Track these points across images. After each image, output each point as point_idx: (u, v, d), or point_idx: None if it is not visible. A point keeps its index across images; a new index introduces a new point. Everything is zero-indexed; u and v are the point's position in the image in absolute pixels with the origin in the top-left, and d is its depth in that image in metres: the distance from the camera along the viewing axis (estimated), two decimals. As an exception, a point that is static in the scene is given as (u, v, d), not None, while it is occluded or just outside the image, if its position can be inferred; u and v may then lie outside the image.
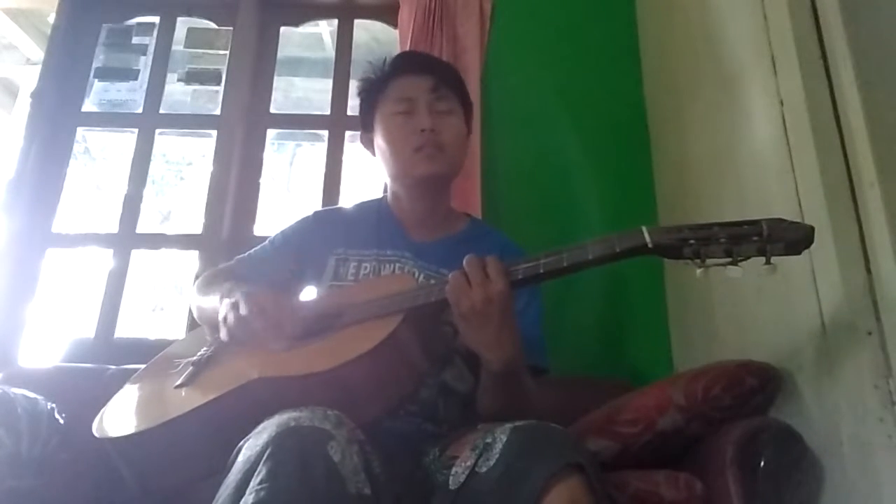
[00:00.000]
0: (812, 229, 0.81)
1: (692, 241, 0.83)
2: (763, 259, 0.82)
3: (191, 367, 1.10)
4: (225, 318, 1.07)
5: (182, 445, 0.98)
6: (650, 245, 0.85)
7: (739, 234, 0.82)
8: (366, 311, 1.02)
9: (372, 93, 1.31)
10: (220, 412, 0.96)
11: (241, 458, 0.81)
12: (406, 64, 1.31)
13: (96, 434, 1.03)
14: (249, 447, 0.81)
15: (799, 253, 0.82)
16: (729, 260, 0.82)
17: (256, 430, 0.84)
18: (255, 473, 0.76)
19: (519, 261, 0.95)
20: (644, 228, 0.87)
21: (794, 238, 0.80)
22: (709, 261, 0.83)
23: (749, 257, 0.82)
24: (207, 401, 0.98)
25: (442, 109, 1.25)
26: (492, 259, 0.95)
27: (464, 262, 0.95)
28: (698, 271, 0.83)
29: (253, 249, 1.35)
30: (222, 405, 0.97)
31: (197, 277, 1.37)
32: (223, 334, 1.08)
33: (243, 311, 1.04)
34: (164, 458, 1.00)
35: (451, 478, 0.87)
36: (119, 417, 1.07)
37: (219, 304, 1.12)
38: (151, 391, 1.12)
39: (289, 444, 0.77)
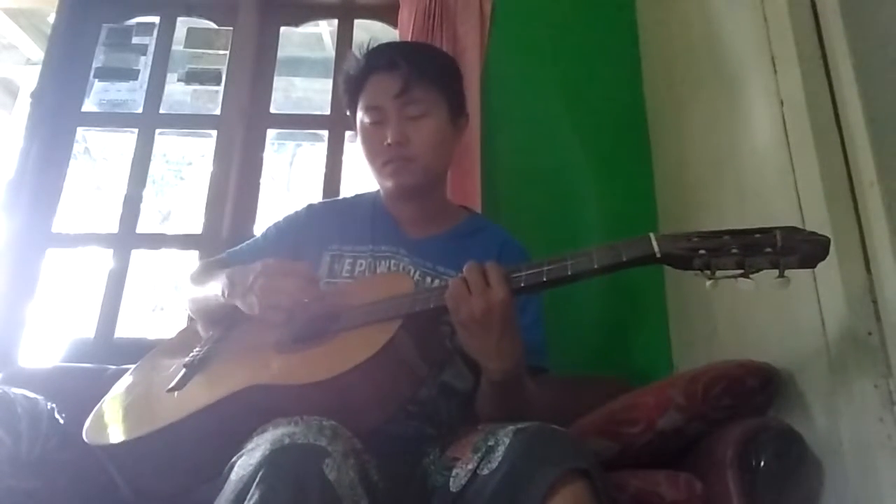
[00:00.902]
0: (828, 242, 0.77)
1: (702, 252, 0.80)
2: (775, 271, 0.78)
3: (183, 370, 1.08)
4: (252, 285, 1.03)
5: (175, 452, 0.97)
6: (658, 255, 0.82)
7: (752, 245, 0.78)
8: (363, 315, 1.01)
9: (351, 90, 1.26)
10: (215, 418, 0.95)
11: (233, 476, 0.80)
12: (376, 60, 1.22)
13: (87, 440, 1.02)
14: (242, 465, 0.79)
15: (814, 266, 0.79)
16: (740, 272, 0.79)
17: (249, 446, 0.82)
18: (248, 496, 0.74)
19: (521, 267, 0.92)
20: (652, 236, 0.84)
21: (810, 252, 0.77)
22: (719, 273, 0.80)
23: (761, 269, 0.79)
24: (201, 407, 0.96)
25: (412, 114, 1.18)
26: (493, 266, 0.92)
27: (464, 268, 0.93)
28: (708, 283, 0.80)
29: (245, 243, 1.33)
30: (216, 411, 0.95)
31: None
32: (250, 302, 1.04)
33: (274, 271, 1.03)
34: (157, 464, 0.99)
35: (451, 479, 0.86)
36: (110, 423, 1.05)
37: (220, 292, 1.10)
38: (143, 394, 1.10)
39: (283, 465, 0.75)
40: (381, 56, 1.23)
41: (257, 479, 0.75)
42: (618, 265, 0.85)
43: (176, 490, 0.98)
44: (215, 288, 1.13)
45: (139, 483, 1.01)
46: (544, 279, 0.89)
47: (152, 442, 0.96)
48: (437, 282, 1.15)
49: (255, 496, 0.73)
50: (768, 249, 0.77)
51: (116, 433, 1.01)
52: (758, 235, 0.79)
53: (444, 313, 0.94)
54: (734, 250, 0.79)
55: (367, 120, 1.21)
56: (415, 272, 1.18)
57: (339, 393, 0.90)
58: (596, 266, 0.86)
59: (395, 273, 1.18)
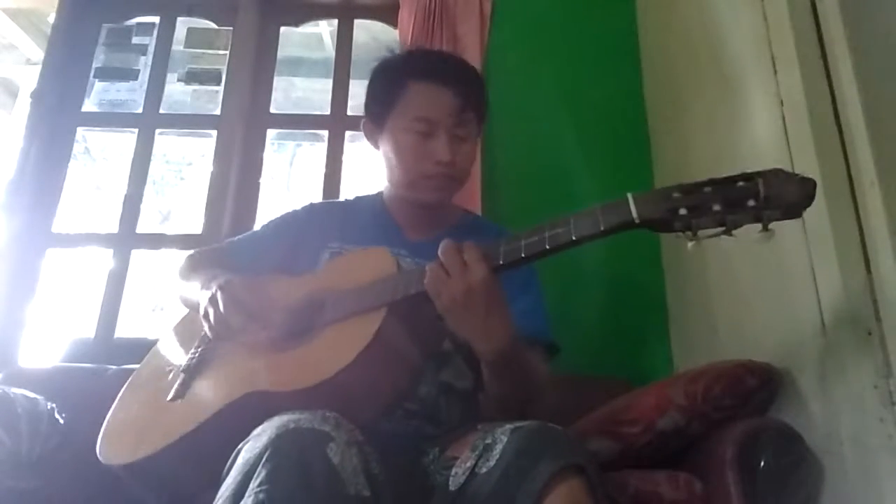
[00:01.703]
0: (814, 185, 0.74)
1: (683, 213, 0.77)
2: (758, 225, 0.75)
3: (181, 375, 1.09)
4: (206, 314, 1.05)
5: (190, 460, 0.98)
6: (637, 220, 0.80)
7: (734, 199, 0.75)
8: (348, 304, 1.00)
9: (390, 88, 1.20)
10: (221, 425, 0.96)
11: (240, 459, 0.81)
12: (430, 69, 1.19)
13: (102, 461, 1.03)
14: (248, 449, 0.80)
15: (798, 216, 0.75)
16: (722, 230, 0.76)
17: (255, 432, 0.83)
18: (255, 476, 0.75)
19: (499, 243, 0.90)
20: (630, 197, 0.81)
21: (794, 199, 0.73)
22: (701, 232, 0.77)
23: (743, 225, 0.75)
24: (206, 418, 0.97)
25: (461, 135, 1.18)
26: (469, 245, 0.90)
27: (439, 250, 0.90)
28: (689, 244, 0.78)
29: (244, 234, 1.34)
30: (221, 419, 0.96)
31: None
32: (207, 330, 1.07)
33: (221, 306, 1.02)
34: (175, 474, 1.00)
35: (450, 478, 0.87)
36: (121, 440, 1.06)
37: (199, 293, 1.10)
38: (147, 406, 1.11)
39: (288, 446, 0.77)
40: (435, 67, 1.21)
41: (263, 460, 0.76)
42: (596, 235, 0.82)
43: (197, 489, 0.98)
44: (195, 288, 1.13)
45: (161, 491, 1.02)
46: (523, 254, 0.87)
47: (164, 456, 0.98)
48: None
49: (261, 476, 0.74)
50: (751, 202, 0.74)
51: (130, 452, 1.01)
52: (741, 183, 0.76)
53: (427, 298, 0.93)
54: (716, 208, 0.76)
55: (413, 128, 1.17)
56: (398, 259, 1.16)
57: (337, 392, 0.91)
58: (574, 237, 0.83)
59: (372, 250, 1.11)
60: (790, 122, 1.17)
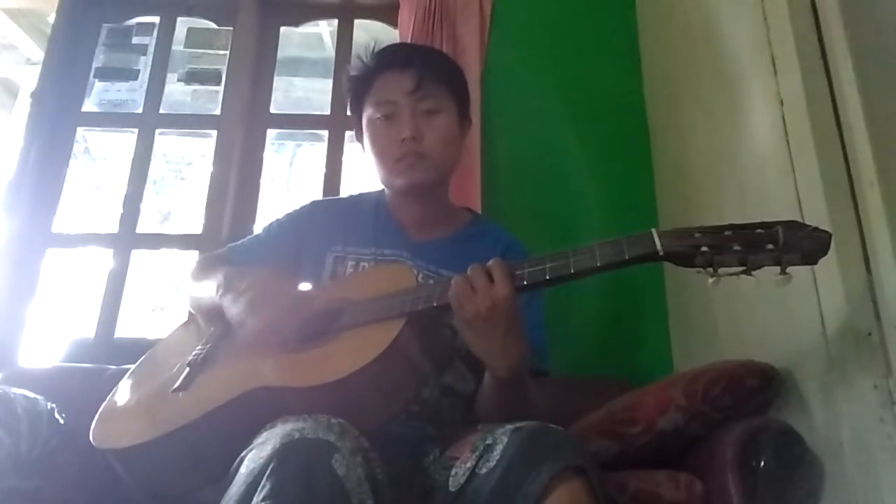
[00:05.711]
0: (829, 238, 0.77)
1: (704, 249, 0.79)
2: (777, 267, 0.78)
3: (187, 368, 1.08)
4: (241, 295, 1.05)
5: (184, 454, 0.97)
6: (661, 252, 0.82)
7: (753, 242, 0.78)
8: (366, 312, 1.01)
9: (358, 90, 1.26)
10: (223, 420, 0.95)
11: (243, 469, 0.80)
12: (388, 59, 1.24)
13: (95, 444, 1.02)
14: (252, 459, 0.80)
15: (815, 263, 0.79)
16: (742, 269, 0.79)
17: (258, 440, 0.83)
18: (259, 488, 0.74)
19: (524, 264, 0.92)
20: (654, 232, 0.83)
21: (811, 249, 0.77)
22: (721, 270, 0.79)
23: (763, 266, 0.78)
24: (208, 411, 0.96)
25: (426, 109, 1.19)
26: (496, 263, 0.92)
27: (469, 269, 0.93)
28: (710, 280, 0.80)
29: (247, 238, 1.34)
30: (224, 413, 0.95)
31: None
32: (235, 311, 1.05)
33: (253, 297, 1.03)
34: (166, 466, 0.99)
35: (450, 479, 0.87)
36: (117, 426, 1.05)
37: (215, 293, 1.10)
38: (148, 395, 1.10)
39: (293, 458, 0.76)
40: (392, 55, 1.25)
41: (268, 472, 0.75)
42: (620, 263, 0.85)
43: (186, 489, 0.98)
44: (211, 287, 1.13)
45: (149, 484, 1.01)
46: (547, 277, 0.89)
47: (160, 446, 0.96)
48: None
49: (266, 489, 0.74)
50: (770, 246, 0.77)
51: (125, 437, 1.00)
52: (760, 231, 0.79)
53: (447, 311, 0.94)
54: (736, 248, 0.78)
55: (378, 115, 1.21)
56: (417, 275, 1.17)
57: (345, 394, 0.91)
58: (599, 264, 0.86)
59: (396, 266, 1.17)
60: (790, 122, 1.17)
